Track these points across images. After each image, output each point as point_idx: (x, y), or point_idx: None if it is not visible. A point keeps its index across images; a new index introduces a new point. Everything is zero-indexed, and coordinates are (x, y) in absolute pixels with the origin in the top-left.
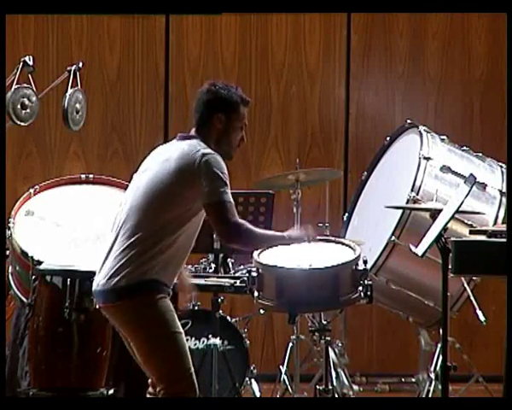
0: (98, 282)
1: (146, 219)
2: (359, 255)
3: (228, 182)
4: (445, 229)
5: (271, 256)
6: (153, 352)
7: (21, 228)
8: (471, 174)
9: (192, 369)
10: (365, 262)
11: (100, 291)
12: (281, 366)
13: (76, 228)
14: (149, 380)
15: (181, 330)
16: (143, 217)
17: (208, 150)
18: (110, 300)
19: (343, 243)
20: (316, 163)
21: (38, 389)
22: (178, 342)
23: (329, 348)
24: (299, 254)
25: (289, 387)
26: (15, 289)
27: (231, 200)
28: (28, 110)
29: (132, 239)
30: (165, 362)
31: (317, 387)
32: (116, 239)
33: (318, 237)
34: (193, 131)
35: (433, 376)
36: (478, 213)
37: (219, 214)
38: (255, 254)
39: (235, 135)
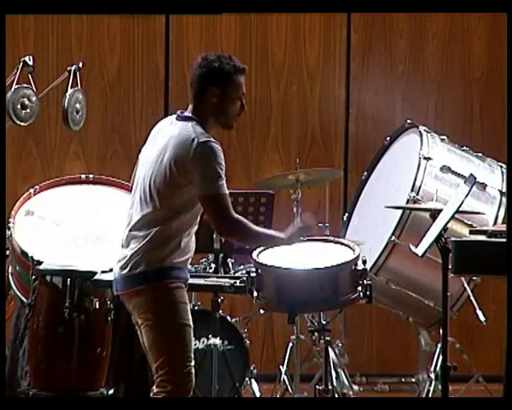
0: (115, 270)
1: (152, 207)
2: (358, 255)
3: (223, 172)
4: (445, 229)
5: (271, 256)
6: (158, 338)
7: (21, 228)
8: (471, 174)
9: (192, 364)
10: (364, 262)
11: (117, 279)
12: (281, 366)
13: (76, 228)
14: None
15: (189, 323)
16: (150, 206)
17: (204, 138)
18: (127, 287)
19: (342, 243)
20: (316, 163)
21: (38, 389)
22: (184, 334)
23: (329, 348)
24: (299, 254)
25: (289, 387)
26: (15, 289)
27: (227, 192)
28: (28, 110)
29: (143, 229)
30: (166, 350)
31: (317, 387)
32: (128, 229)
33: (317, 237)
34: (190, 108)
35: (433, 376)
36: (478, 213)
37: (216, 208)
38: (254, 254)
39: (232, 106)
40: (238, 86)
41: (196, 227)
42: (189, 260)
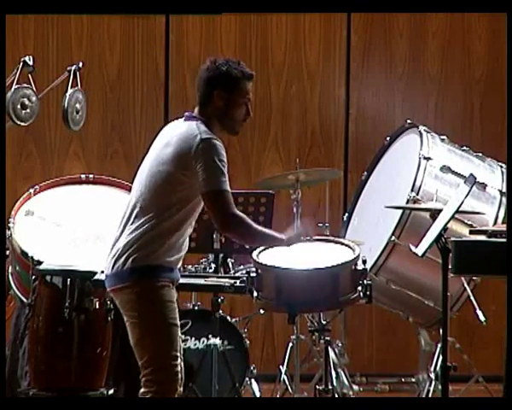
0: (106, 267)
1: (146, 203)
2: (358, 255)
3: (226, 169)
4: (445, 229)
5: (270, 256)
6: (143, 336)
7: (21, 228)
8: (471, 174)
9: (178, 362)
10: (364, 262)
11: (107, 275)
12: (281, 366)
13: (76, 228)
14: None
15: (176, 322)
16: (145, 202)
17: (207, 135)
18: (115, 283)
19: (342, 243)
20: (316, 163)
21: (38, 389)
22: (169, 333)
23: (329, 348)
24: (299, 254)
25: (289, 387)
26: (15, 289)
27: (229, 189)
28: (28, 110)
29: (135, 224)
30: (150, 349)
31: (317, 387)
32: (123, 225)
33: (317, 237)
34: (196, 110)
35: (433, 376)
36: (478, 213)
37: (217, 204)
38: (254, 254)
39: (238, 110)
40: (244, 92)
41: (191, 229)
42: (180, 261)
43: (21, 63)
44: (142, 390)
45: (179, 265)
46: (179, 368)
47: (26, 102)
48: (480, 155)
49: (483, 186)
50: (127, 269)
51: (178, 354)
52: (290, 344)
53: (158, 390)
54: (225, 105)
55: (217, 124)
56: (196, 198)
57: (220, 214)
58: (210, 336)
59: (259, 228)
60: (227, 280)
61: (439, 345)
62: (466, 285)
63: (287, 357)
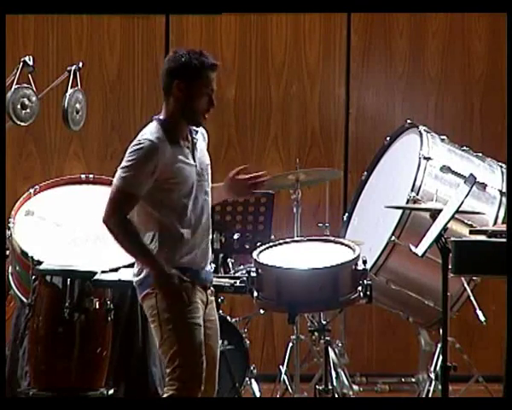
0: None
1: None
2: (359, 255)
3: (139, 171)
4: (445, 229)
5: (271, 256)
6: (163, 337)
7: (21, 228)
8: (471, 174)
9: (202, 361)
10: (365, 262)
11: (134, 285)
12: (281, 366)
13: (76, 228)
14: None
15: (195, 321)
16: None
17: (142, 137)
18: (140, 292)
19: (342, 243)
20: (316, 163)
21: (38, 389)
22: (190, 332)
23: (329, 348)
24: (299, 254)
25: (289, 387)
26: (15, 289)
27: (130, 189)
28: (28, 110)
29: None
30: (172, 348)
31: (317, 387)
32: None
33: (317, 237)
34: (163, 106)
35: (433, 376)
36: (478, 213)
37: (111, 199)
38: (255, 254)
39: (199, 101)
40: (206, 82)
41: (191, 229)
42: (199, 259)
43: (21, 63)
44: (165, 389)
45: (203, 264)
46: (204, 367)
47: (26, 102)
48: (480, 155)
49: (483, 186)
50: (143, 277)
51: (201, 353)
52: (290, 344)
53: (179, 388)
54: (185, 96)
55: (180, 117)
56: (163, 193)
57: (107, 209)
58: None
59: (137, 243)
60: (227, 280)
61: (439, 345)
62: (466, 285)
63: (287, 357)
